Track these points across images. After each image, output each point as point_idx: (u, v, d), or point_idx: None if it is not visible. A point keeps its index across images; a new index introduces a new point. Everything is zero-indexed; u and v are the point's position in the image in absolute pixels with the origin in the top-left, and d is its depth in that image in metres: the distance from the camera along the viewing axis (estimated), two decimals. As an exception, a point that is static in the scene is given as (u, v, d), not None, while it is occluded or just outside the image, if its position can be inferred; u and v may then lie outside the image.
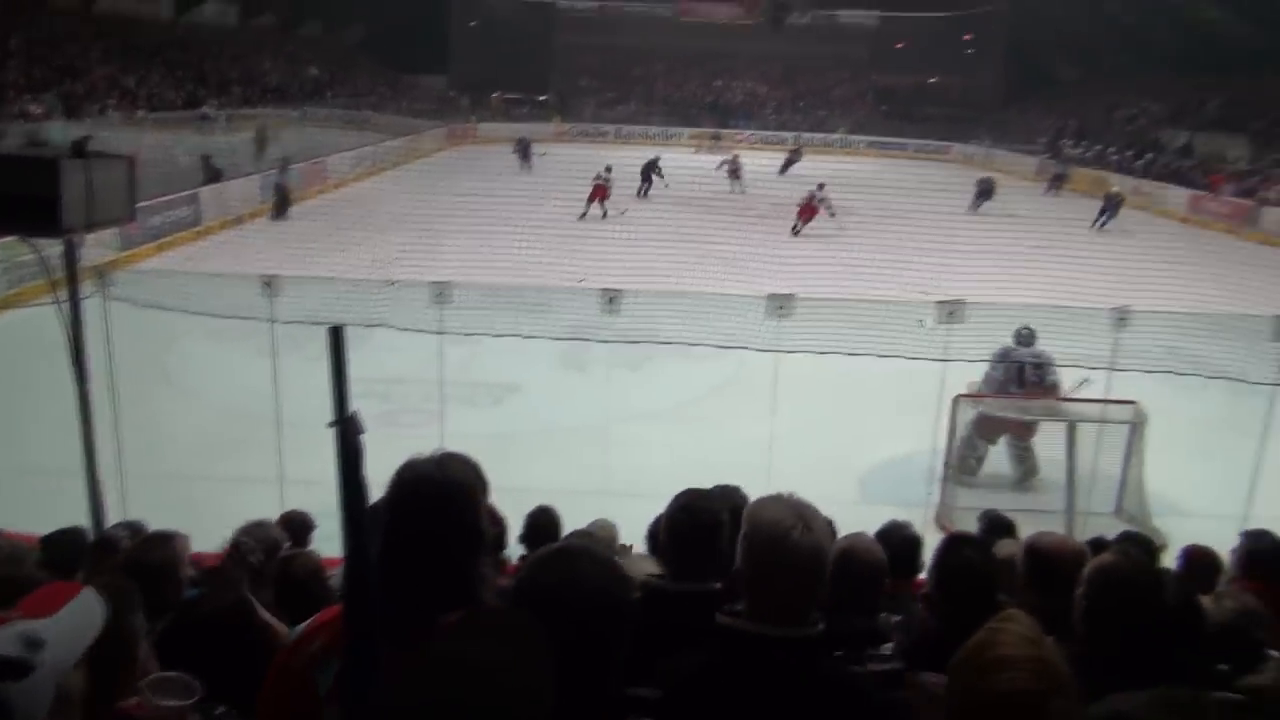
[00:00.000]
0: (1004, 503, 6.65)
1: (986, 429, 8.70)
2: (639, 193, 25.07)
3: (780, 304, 6.95)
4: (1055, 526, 7.21)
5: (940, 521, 7.57)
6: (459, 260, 11.34)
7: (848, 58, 51.87)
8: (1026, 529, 3.72)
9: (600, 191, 22.28)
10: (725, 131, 44.56)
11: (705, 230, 16.65)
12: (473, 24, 50.63)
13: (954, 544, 2.79)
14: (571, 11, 52.59)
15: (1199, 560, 4.00)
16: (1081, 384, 8.47)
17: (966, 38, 52.15)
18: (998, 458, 8.98)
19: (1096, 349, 7.94)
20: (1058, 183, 31.38)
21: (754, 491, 2.61)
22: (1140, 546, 4.14)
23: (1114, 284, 11.75)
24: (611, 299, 7.18)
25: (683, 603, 2.30)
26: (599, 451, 8.70)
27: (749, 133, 46.16)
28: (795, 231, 20.97)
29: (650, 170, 25.81)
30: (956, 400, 8.13)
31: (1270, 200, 26.01)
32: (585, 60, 52.75)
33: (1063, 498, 8.05)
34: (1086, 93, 45.71)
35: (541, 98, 49.78)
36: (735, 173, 27.28)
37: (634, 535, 4.24)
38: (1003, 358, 8.81)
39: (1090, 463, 8.13)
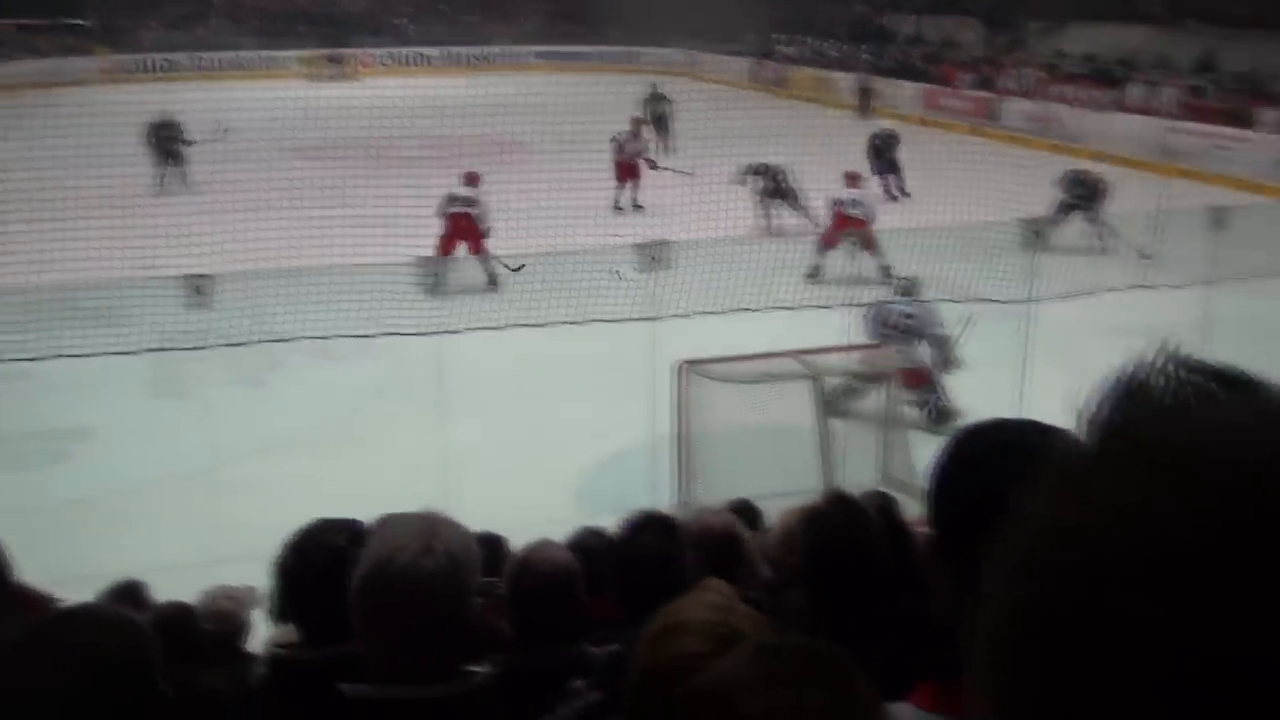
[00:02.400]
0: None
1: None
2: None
3: (434, 271, 6.98)
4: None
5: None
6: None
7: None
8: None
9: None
10: (347, 52, 44.04)
11: (326, 184, 16.40)
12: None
13: (632, 530, 2.96)
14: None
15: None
16: (967, 323, 9.53)
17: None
18: None
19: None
20: (867, 99, 30.65)
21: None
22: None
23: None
24: (199, 288, 6.90)
25: (316, 675, 2.27)
26: (211, 506, 8.36)
27: (380, 52, 45.78)
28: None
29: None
30: (681, 368, 8.39)
31: (1012, 90, 29.33)
32: (136, -35, 50.09)
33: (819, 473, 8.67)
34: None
35: (77, 22, 46.77)
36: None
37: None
38: (874, 317, 9.70)
39: (844, 424, 8.84)
